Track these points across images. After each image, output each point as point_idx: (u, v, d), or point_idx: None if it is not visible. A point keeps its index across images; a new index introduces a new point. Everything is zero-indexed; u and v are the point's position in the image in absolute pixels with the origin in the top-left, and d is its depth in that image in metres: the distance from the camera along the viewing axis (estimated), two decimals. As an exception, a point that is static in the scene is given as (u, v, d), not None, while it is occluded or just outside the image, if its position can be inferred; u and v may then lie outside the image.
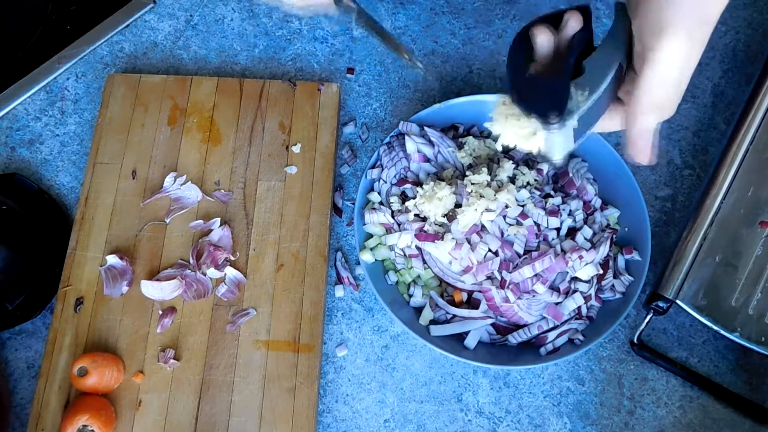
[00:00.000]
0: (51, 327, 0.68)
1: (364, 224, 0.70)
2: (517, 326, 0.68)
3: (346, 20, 0.56)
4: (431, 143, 0.72)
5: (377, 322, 0.72)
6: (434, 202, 0.66)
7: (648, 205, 0.73)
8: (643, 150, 0.52)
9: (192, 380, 0.66)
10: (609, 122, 0.54)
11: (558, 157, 0.50)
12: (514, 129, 0.51)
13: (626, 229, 0.72)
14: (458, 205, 0.68)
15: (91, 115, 0.81)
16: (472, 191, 0.67)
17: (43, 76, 0.82)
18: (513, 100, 0.50)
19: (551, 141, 0.49)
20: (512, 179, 0.70)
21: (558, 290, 0.67)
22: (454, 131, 0.75)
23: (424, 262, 0.69)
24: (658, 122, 0.51)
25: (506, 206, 0.67)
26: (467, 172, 0.69)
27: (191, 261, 0.70)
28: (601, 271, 0.67)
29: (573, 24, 0.50)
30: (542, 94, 0.48)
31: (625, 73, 0.51)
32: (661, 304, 0.67)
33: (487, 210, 0.66)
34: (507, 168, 0.69)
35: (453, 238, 0.66)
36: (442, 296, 0.69)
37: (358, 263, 0.72)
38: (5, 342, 0.71)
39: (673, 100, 0.50)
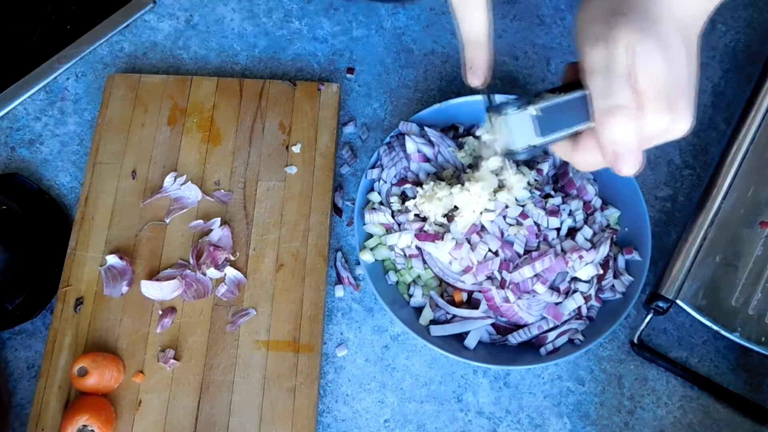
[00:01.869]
0: (51, 327, 0.68)
1: (364, 224, 0.70)
2: (517, 326, 0.68)
3: None
4: (431, 143, 0.72)
5: (377, 322, 0.72)
6: (434, 202, 0.66)
7: (648, 205, 0.73)
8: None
9: (192, 380, 0.66)
10: (586, 154, 0.50)
11: (519, 146, 0.49)
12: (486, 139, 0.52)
13: (626, 229, 0.72)
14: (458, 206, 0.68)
15: (91, 115, 0.81)
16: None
17: (43, 76, 0.82)
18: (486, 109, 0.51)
19: (509, 125, 0.48)
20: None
21: (558, 290, 0.67)
22: (454, 131, 0.75)
23: (424, 262, 0.69)
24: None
25: (506, 206, 0.67)
26: (467, 170, 0.69)
27: (191, 261, 0.70)
28: (601, 271, 0.67)
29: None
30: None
31: None
32: (661, 304, 0.67)
33: (487, 210, 0.66)
34: (507, 166, 0.69)
35: (453, 238, 0.66)
36: (442, 296, 0.69)
37: (358, 263, 0.72)
38: (5, 342, 0.71)
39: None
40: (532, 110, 0.48)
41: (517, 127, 0.48)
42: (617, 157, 0.46)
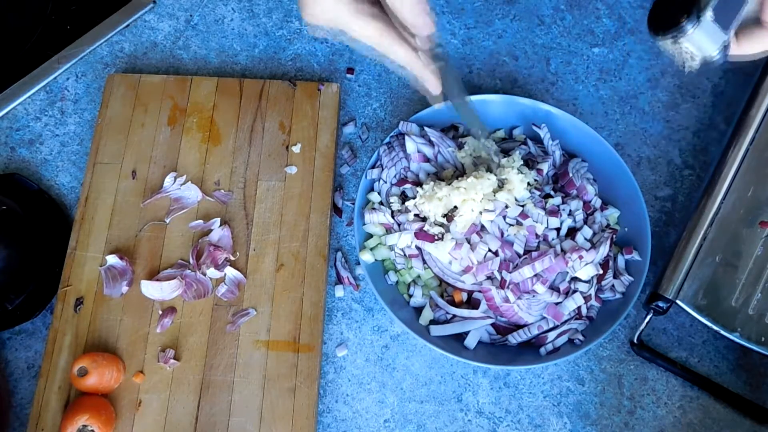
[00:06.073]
0: (51, 327, 0.68)
1: (364, 224, 0.70)
2: (517, 326, 0.68)
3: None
4: (431, 143, 0.72)
5: (377, 322, 0.72)
6: (434, 202, 0.66)
7: (648, 205, 0.73)
8: None
9: (192, 380, 0.66)
10: (753, 44, 0.52)
11: (713, 53, 0.50)
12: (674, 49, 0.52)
13: (626, 229, 0.72)
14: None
15: (91, 115, 0.81)
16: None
17: (43, 76, 0.82)
18: (650, 32, 0.52)
19: (697, 43, 0.50)
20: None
21: (558, 290, 0.67)
22: (454, 131, 0.75)
23: (424, 262, 0.69)
24: None
25: (506, 206, 0.67)
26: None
27: (191, 261, 0.70)
28: (601, 271, 0.67)
29: None
30: (671, 7, 0.51)
31: None
32: (661, 304, 0.67)
33: (487, 210, 0.66)
34: (513, 160, 0.69)
35: (453, 238, 0.66)
36: (442, 296, 0.69)
37: (358, 263, 0.72)
38: (5, 342, 0.71)
39: None
40: (708, 15, 0.49)
41: (705, 37, 0.49)
42: None
